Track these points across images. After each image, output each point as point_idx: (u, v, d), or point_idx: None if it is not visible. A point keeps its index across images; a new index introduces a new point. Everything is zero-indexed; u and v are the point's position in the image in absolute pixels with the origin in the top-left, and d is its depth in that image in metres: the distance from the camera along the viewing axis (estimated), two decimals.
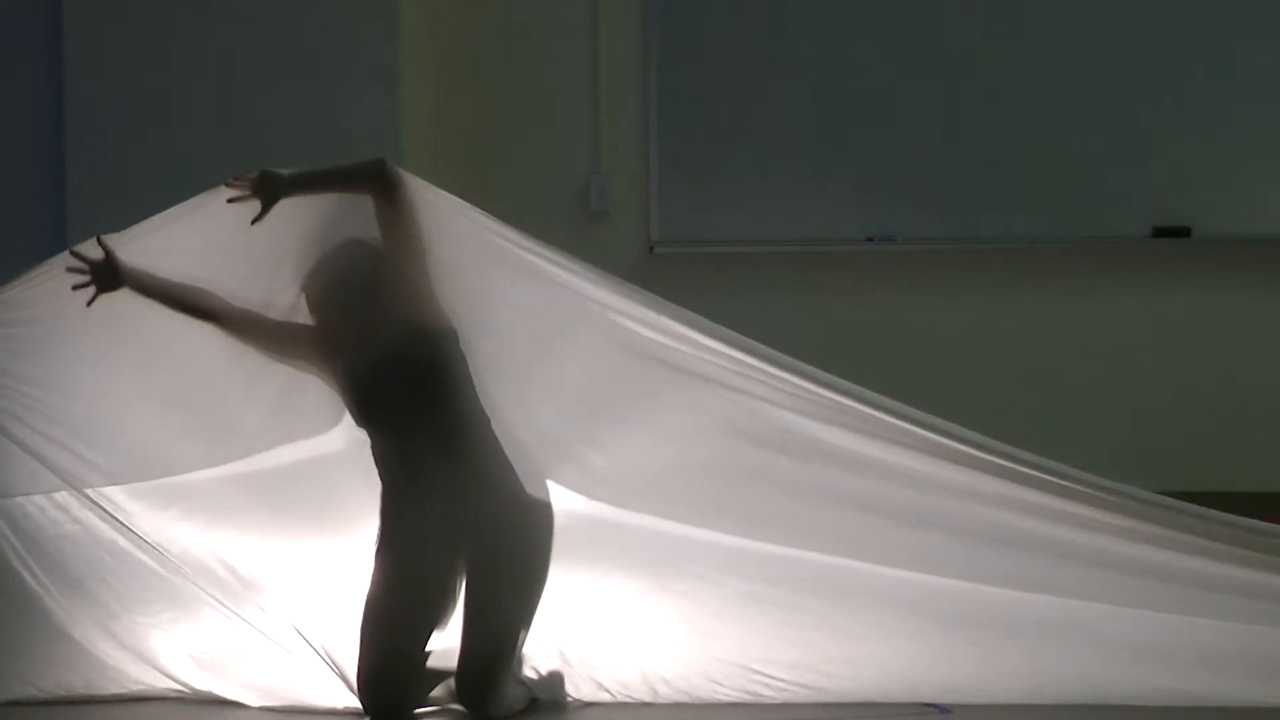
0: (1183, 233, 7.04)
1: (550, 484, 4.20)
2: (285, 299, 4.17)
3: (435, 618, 4.12)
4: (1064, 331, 7.19)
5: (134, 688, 4.37)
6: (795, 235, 7.18)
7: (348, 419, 4.19)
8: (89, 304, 4.18)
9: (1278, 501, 6.97)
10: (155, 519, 4.32)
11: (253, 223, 4.10)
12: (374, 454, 4.15)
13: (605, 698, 4.22)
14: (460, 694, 4.16)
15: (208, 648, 4.36)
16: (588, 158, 7.29)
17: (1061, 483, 4.01)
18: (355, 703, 4.15)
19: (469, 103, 7.22)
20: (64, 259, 4.22)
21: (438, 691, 4.21)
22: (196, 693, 4.35)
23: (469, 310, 4.15)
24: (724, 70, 7.18)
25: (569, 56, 7.31)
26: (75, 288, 4.18)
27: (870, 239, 7.14)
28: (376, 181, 4.11)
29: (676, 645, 4.20)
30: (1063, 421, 7.14)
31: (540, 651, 4.24)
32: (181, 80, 6.50)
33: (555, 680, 4.24)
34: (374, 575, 4.12)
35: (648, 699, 4.20)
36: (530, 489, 4.14)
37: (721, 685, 4.17)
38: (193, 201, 4.20)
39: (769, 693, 4.15)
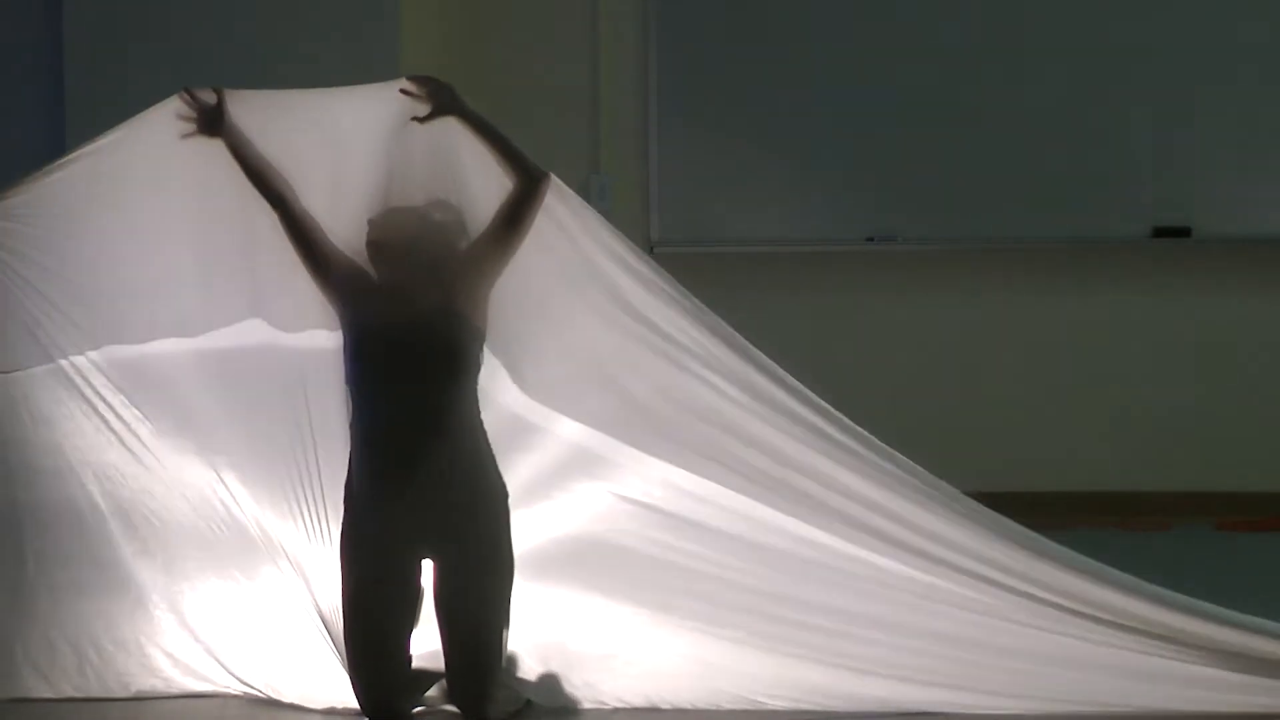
0: (1183, 233, 7.04)
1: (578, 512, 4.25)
2: (347, 227, 4.19)
3: (406, 610, 4.10)
4: (1064, 331, 7.20)
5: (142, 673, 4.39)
6: (795, 235, 7.18)
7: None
8: (183, 137, 4.28)
9: (1278, 501, 6.98)
10: (198, 466, 4.34)
11: (414, 119, 4.19)
12: (351, 425, 4.13)
13: (605, 708, 4.24)
14: (453, 695, 4.16)
15: (217, 622, 4.38)
16: (588, 158, 7.29)
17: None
18: (355, 703, 4.15)
19: (469, 103, 7.20)
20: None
21: (432, 692, 4.21)
22: (198, 674, 4.38)
23: (516, 327, 4.18)
24: (723, 71, 7.18)
25: (569, 56, 7.32)
26: (181, 118, 4.29)
27: (870, 239, 7.15)
28: (532, 177, 4.19)
29: (681, 675, 4.21)
30: (1063, 421, 7.14)
31: (543, 665, 4.26)
32: (182, 79, 6.48)
33: (552, 684, 4.24)
34: (341, 572, 4.12)
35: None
36: (497, 490, 4.15)
37: (724, 708, 4.19)
38: (346, 88, 4.28)
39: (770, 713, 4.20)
